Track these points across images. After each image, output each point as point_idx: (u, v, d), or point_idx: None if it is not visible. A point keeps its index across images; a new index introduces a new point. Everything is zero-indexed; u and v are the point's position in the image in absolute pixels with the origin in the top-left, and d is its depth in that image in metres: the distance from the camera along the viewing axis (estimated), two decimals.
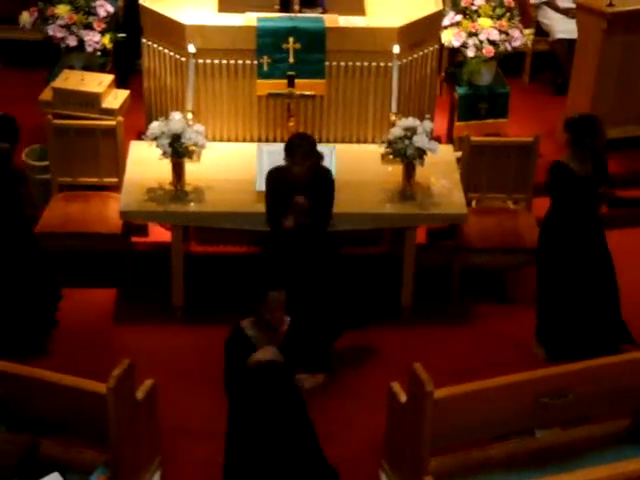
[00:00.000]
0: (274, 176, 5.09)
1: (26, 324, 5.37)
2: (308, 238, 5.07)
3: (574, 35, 6.86)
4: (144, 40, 6.07)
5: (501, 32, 6.29)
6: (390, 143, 5.53)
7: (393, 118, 5.74)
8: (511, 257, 5.78)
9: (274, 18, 5.92)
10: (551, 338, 5.50)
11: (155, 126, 5.45)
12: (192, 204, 5.52)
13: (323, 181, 5.10)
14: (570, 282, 5.36)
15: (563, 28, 7.36)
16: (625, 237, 6.26)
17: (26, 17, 6.31)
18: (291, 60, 5.81)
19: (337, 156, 5.72)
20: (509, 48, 6.34)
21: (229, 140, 6.03)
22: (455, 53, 6.59)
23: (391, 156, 5.59)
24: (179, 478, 4.84)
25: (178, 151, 5.41)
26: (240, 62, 5.85)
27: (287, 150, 5.01)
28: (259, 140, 5.98)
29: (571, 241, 5.30)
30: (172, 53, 5.94)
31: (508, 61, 6.69)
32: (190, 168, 5.59)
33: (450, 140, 6.59)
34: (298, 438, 4.41)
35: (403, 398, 4.53)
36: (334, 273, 5.16)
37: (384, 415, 4.78)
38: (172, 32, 5.87)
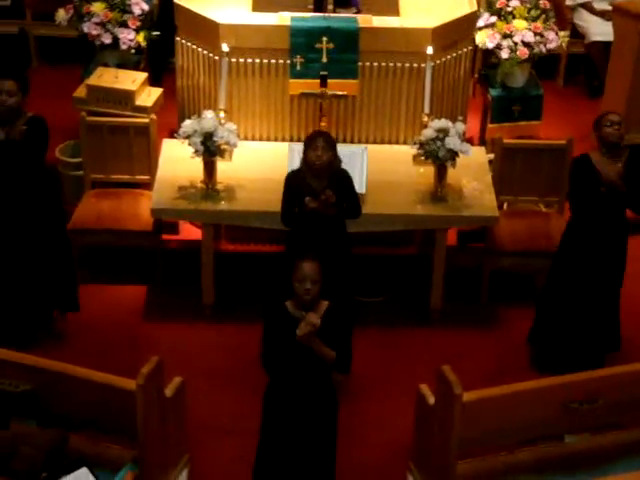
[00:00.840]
0: (293, 179, 5.07)
1: (41, 317, 5.43)
2: (328, 235, 5.05)
3: (610, 38, 6.80)
4: (178, 38, 6.10)
5: (536, 34, 6.26)
6: (422, 144, 5.51)
7: (425, 119, 5.72)
8: (542, 261, 5.73)
9: (308, 18, 5.92)
10: (542, 342, 5.46)
11: (187, 124, 5.47)
12: (223, 203, 5.54)
13: (343, 182, 5.07)
14: (572, 287, 5.31)
15: (599, 30, 7.30)
16: None
17: (62, 14, 6.37)
18: (324, 60, 5.81)
19: (369, 157, 5.71)
20: (544, 50, 6.30)
21: (261, 139, 6.04)
22: (489, 54, 6.56)
23: (423, 157, 5.58)
24: (207, 476, 4.85)
25: (210, 149, 5.43)
26: (273, 61, 5.86)
27: (305, 143, 5.02)
28: (291, 140, 5.99)
29: (585, 248, 5.24)
30: (205, 52, 5.96)
31: (542, 63, 6.65)
32: (222, 167, 5.61)
33: (482, 142, 6.56)
34: (321, 428, 4.39)
35: (431, 400, 4.51)
36: (344, 271, 5.12)
37: (412, 417, 4.76)
38: (206, 31, 5.89)
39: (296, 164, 5.41)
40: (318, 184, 4.98)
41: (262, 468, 4.49)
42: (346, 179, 5.10)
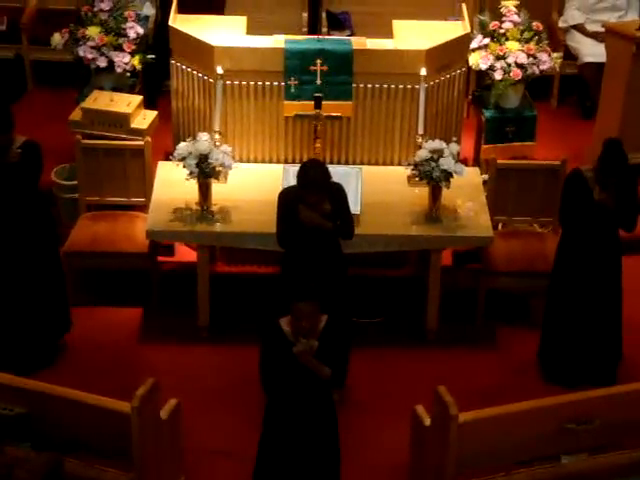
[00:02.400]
0: (288, 197, 5.06)
1: (31, 341, 5.41)
2: (324, 255, 5.04)
3: (602, 59, 6.83)
4: (173, 61, 6.12)
5: (529, 55, 6.29)
6: (416, 165, 5.52)
7: (419, 140, 5.74)
8: (537, 281, 5.74)
9: (302, 40, 5.95)
10: (550, 359, 5.50)
11: (182, 147, 5.49)
12: (218, 224, 5.55)
13: (336, 196, 5.06)
14: (570, 305, 5.35)
15: (592, 52, 7.34)
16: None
17: (58, 38, 6.39)
18: (318, 82, 5.84)
19: (363, 178, 5.72)
20: (537, 71, 6.33)
21: (256, 161, 6.05)
22: (482, 76, 6.59)
23: (417, 178, 5.59)
24: None
25: (205, 171, 5.44)
26: (268, 83, 5.88)
27: (302, 182, 4.88)
28: (285, 161, 6.00)
29: (578, 265, 5.28)
30: (200, 74, 5.99)
31: (536, 84, 6.68)
32: (217, 188, 5.62)
33: (477, 163, 6.58)
34: (323, 443, 4.39)
35: (427, 421, 4.50)
36: (341, 293, 5.12)
37: (408, 438, 4.75)
38: (201, 53, 5.92)
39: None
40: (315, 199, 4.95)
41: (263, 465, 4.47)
42: (341, 194, 5.09)
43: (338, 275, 5.11)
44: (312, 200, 4.89)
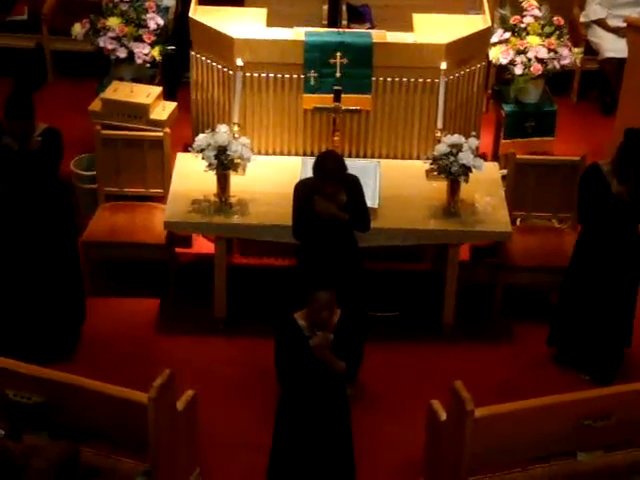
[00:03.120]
0: (304, 189, 5.05)
1: (48, 331, 5.43)
2: (339, 248, 5.04)
3: (624, 54, 6.79)
4: (193, 53, 6.13)
5: (550, 50, 6.26)
6: (435, 159, 5.51)
7: (438, 134, 5.72)
8: (555, 276, 5.71)
9: (322, 33, 5.94)
10: (559, 344, 5.54)
11: (201, 138, 5.49)
12: (236, 216, 5.55)
13: (352, 188, 5.05)
14: (582, 299, 5.36)
15: (613, 47, 7.30)
16: None
17: (78, 29, 6.41)
18: (338, 75, 5.82)
19: (382, 171, 5.71)
20: (557, 66, 6.30)
21: (274, 153, 6.05)
22: (503, 70, 6.56)
23: (436, 172, 5.58)
24: None
25: (223, 163, 5.45)
26: (287, 76, 5.88)
27: (317, 173, 4.88)
28: (304, 154, 6.00)
29: (595, 259, 5.27)
30: (220, 66, 5.99)
31: (556, 79, 6.64)
32: (235, 180, 5.63)
33: (496, 158, 6.56)
34: (336, 437, 4.39)
35: (443, 416, 4.49)
36: (357, 286, 5.11)
37: (424, 433, 4.75)
38: (221, 45, 5.92)
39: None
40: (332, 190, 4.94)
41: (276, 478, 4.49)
42: (357, 186, 5.08)
43: (353, 268, 5.11)
44: (328, 191, 4.89)
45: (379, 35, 5.96)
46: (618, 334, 5.42)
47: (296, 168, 5.72)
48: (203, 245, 6.21)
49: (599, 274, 5.28)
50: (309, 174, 5.28)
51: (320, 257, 4.99)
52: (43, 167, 5.14)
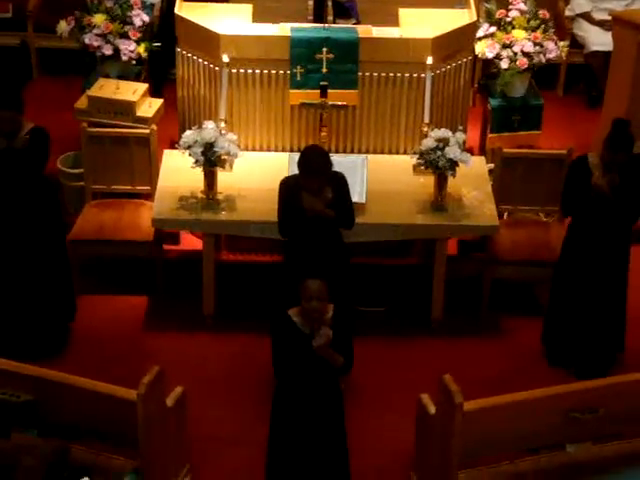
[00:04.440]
0: (288, 186, 5.06)
1: (37, 328, 5.42)
2: (325, 244, 5.04)
3: (609, 47, 6.81)
4: (178, 49, 6.12)
5: (535, 44, 6.27)
6: (422, 154, 5.52)
7: (425, 129, 5.73)
8: (542, 270, 5.74)
9: (308, 28, 5.95)
10: (552, 343, 5.54)
11: (188, 135, 5.48)
12: (224, 213, 5.55)
13: (337, 185, 5.06)
14: (574, 294, 5.37)
15: (598, 40, 7.32)
16: None
17: (63, 26, 6.39)
18: (324, 70, 5.83)
19: (369, 166, 5.72)
20: (543, 60, 6.32)
21: (261, 149, 6.05)
22: (489, 64, 6.57)
23: (423, 167, 5.58)
24: None
25: (210, 160, 5.44)
26: (273, 72, 5.88)
27: (302, 168, 4.89)
28: (291, 150, 6.00)
29: (582, 253, 5.28)
30: (206, 62, 5.98)
31: (542, 73, 6.66)
32: (222, 177, 5.62)
33: (482, 152, 6.57)
34: (331, 431, 4.41)
35: (432, 410, 4.51)
36: (343, 280, 5.12)
37: (413, 427, 4.76)
38: (206, 41, 5.91)
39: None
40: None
41: (275, 474, 4.49)
42: (343, 183, 5.09)
43: (340, 263, 5.11)
44: (313, 186, 4.89)
45: (365, 30, 5.97)
46: (609, 336, 5.43)
47: (283, 164, 5.72)
48: (191, 242, 6.20)
49: (587, 270, 5.29)
50: (296, 170, 5.28)
51: (306, 252, 4.99)
52: (29, 166, 5.13)
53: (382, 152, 6.06)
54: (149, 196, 5.98)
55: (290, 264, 5.09)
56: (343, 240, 5.16)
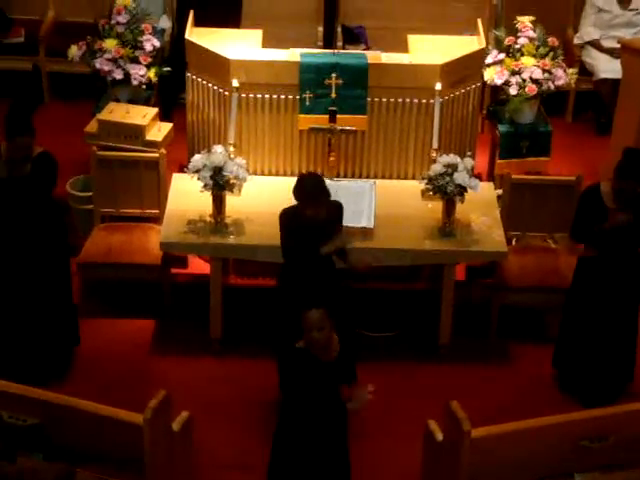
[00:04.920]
0: (289, 217, 5.06)
1: (41, 352, 5.40)
2: (319, 270, 5.03)
3: (618, 75, 6.83)
4: (189, 74, 6.15)
5: (544, 71, 6.29)
6: (430, 179, 5.52)
7: (434, 155, 5.73)
8: (551, 296, 5.72)
9: (317, 54, 5.98)
10: (563, 368, 5.52)
11: (197, 159, 5.50)
12: (232, 237, 5.55)
13: (333, 212, 5.06)
14: (583, 323, 5.34)
15: (607, 68, 7.34)
16: None
17: (74, 50, 6.43)
18: (333, 95, 5.84)
19: (377, 191, 5.72)
20: (552, 87, 6.33)
21: (270, 174, 6.06)
22: (497, 91, 6.59)
23: (431, 192, 5.58)
24: None
25: (219, 184, 5.45)
26: (283, 97, 5.90)
27: (297, 195, 4.94)
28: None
29: (594, 282, 5.26)
30: (216, 87, 6.01)
31: (551, 100, 6.67)
32: (231, 201, 5.63)
33: (491, 178, 6.57)
34: (334, 452, 4.40)
35: (440, 437, 4.48)
36: (339, 304, 5.10)
37: (421, 453, 4.73)
38: (216, 66, 5.94)
39: None
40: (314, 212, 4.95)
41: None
42: (338, 210, 5.09)
43: (335, 288, 5.09)
44: (309, 212, 4.91)
45: (374, 56, 5.99)
46: (618, 365, 5.39)
47: (291, 188, 5.71)
48: (199, 265, 6.20)
49: (599, 298, 5.26)
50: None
51: (302, 278, 4.99)
52: (33, 192, 5.13)
53: (390, 177, 6.06)
54: (158, 219, 5.99)
55: (285, 290, 5.08)
56: (334, 265, 5.14)
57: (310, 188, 4.91)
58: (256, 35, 6.28)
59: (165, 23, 7.25)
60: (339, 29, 6.75)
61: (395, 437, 5.22)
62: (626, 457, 4.59)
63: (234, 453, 5.11)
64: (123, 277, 5.89)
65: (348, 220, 5.51)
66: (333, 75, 5.82)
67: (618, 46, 6.93)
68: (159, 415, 4.28)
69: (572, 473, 4.54)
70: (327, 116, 5.82)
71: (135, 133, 6.16)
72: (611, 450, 4.44)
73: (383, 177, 6.04)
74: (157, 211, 6.01)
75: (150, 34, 6.43)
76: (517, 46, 6.37)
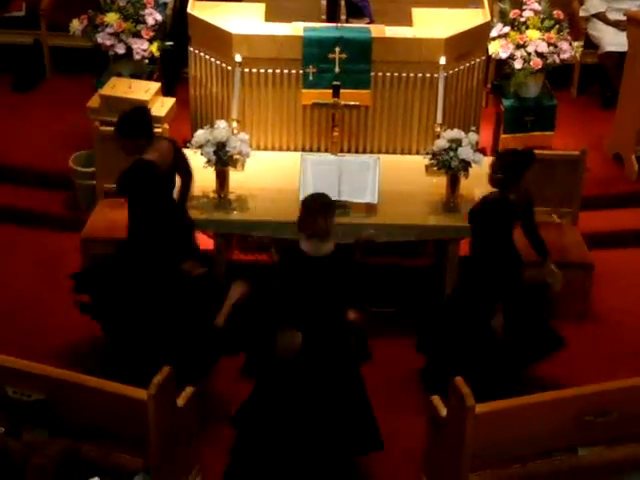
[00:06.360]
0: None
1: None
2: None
3: (624, 48, 6.78)
4: (191, 49, 6.11)
5: (549, 44, 6.25)
6: (435, 154, 5.50)
7: (438, 130, 5.71)
8: None
9: (320, 28, 5.93)
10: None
11: (200, 134, 5.48)
12: (235, 212, 5.54)
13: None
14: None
15: (613, 41, 7.28)
16: None
17: (76, 25, 6.40)
18: (337, 70, 5.81)
19: (381, 167, 5.70)
20: (557, 60, 6.29)
21: (273, 149, 6.04)
22: (502, 65, 6.54)
23: (435, 167, 5.57)
24: None
25: (222, 159, 5.43)
26: (286, 71, 5.86)
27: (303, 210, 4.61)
28: (303, 149, 5.99)
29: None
30: (218, 62, 5.97)
31: (556, 73, 6.63)
32: (234, 176, 5.61)
33: (495, 152, 6.54)
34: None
35: (444, 412, 4.48)
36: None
37: (424, 428, 4.74)
38: (219, 41, 5.90)
39: (308, 174, 5.41)
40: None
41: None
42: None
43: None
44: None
45: (378, 30, 5.95)
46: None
47: (295, 163, 5.71)
48: (203, 241, 6.18)
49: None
50: (308, 170, 5.28)
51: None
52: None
53: (394, 152, 6.04)
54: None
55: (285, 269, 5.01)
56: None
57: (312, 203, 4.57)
58: (259, 9, 6.23)
59: None
60: (342, 2, 6.65)
61: (398, 411, 5.23)
62: (630, 431, 4.60)
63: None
64: None
65: (352, 195, 5.50)
66: (337, 49, 5.78)
67: (624, 18, 6.89)
68: (164, 390, 4.29)
69: (576, 447, 4.55)
70: (330, 91, 5.79)
71: None
72: (615, 425, 4.45)
73: (387, 152, 6.02)
74: None
75: (152, 8, 6.40)
76: (522, 19, 6.32)
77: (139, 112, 4.96)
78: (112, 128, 5.94)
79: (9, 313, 5.82)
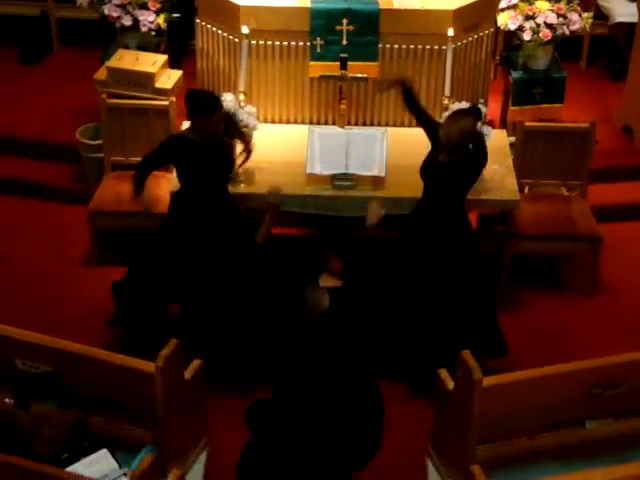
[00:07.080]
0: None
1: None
2: None
3: (634, 19, 6.72)
4: (198, 20, 6.08)
5: (559, 15, 6.19)
6: None
7: (446, 102, 5.67)
8: (564, 244, 5.70)
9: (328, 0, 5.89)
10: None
11: None
12: (242, 185, 5.53)
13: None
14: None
15: (623, 12, 7.21)
16: None
17: None
18: (344, 42, 5.77)
19: (389, 139, 5.67)
20: (567, 32, 6.23)
21: (280, 122, 6.01)
22: (511, 36, 6.49)
23: None
24: (226, 458, 4.86)
25: (229, 132, 5.40)
26: (293, 44, 5.83)
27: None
28: (310, 122, 5.96)
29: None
30: (226, 34, 5.94)
31: (565, 45, 6.57)
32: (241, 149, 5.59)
33: (504, 125, 6.51)
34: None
35: (451, 385, 4.49)
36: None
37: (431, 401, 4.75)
38: (226, 13, 5.87)
39: (316, 147, 5.39)
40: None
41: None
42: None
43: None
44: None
45: (385, 1, 5.90)
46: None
47: (302, 136, 5.68)
48: None
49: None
50: (315, 143, 5.26)
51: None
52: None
53: (402, 125, 6.01)
54: (168, 167, 5.96)
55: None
56: None
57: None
58: None
59: None
60: None
61: (406, 385, 5.24)
62: (639, 405, 4.60)
63: (246, 400, 5.14)
64: (134, 225, 5.88)
65: (359, 168, 5.48)
66: (344, 21, 5.74)
67: None
68: (171, 363, 4.31)
69: (584, 420, 4.55)
70: (338, 63, 5.75)
71: (145, 81, 6.11)
72: (623, 398, 4.45)
73: (394, 125, 5.99)
74: None
75: None
76: None
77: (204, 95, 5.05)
78: (119, 101, 5.97)
79: (17, 285, 5.84)
